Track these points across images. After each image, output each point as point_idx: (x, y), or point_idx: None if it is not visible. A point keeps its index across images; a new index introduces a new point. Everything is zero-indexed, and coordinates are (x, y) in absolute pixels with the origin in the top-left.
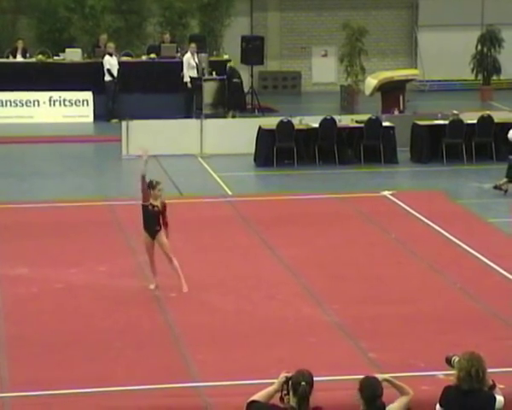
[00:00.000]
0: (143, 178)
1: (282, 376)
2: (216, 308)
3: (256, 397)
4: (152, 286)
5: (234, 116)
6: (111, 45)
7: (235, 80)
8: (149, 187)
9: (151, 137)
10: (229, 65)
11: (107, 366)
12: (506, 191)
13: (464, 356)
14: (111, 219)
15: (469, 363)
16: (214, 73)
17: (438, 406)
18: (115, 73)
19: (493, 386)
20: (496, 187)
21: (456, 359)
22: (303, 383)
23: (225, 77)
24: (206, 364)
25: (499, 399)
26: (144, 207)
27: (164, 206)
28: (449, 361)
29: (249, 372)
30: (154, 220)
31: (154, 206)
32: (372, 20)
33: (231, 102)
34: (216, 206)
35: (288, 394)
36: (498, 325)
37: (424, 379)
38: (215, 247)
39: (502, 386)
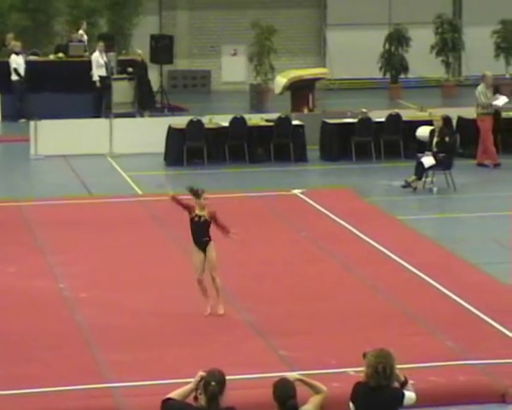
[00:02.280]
0: (174, 198)
1: (198, 375)
2: (128, 308)
3: (172, 395)
4: (207, 312)
5: (151, 116)
6: (17, 44)
7: (144, 78)
8: (194, 196)
9: (60, 137)
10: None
11: (19, 368)
12: (415, 189)
13: (372, 353)
14: (19, 220)
15: (377, 360)
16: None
17: (351, 403)
18: (22, 73)
19: (405, 382)
20: (405, 185)
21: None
22: (213, 383)
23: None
24: (120, 364)
25: (409, 395)
26: (191, 220)
27: (213, 215)
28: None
29: (162, 372)
30: (202, 232)
31: (200, 216)
32: (281, 19)
33: (142, 100)
34: (126, 205)
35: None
36: (408, 322)
37: (335, 376)
38: (126, 247)
39: (412, 382)
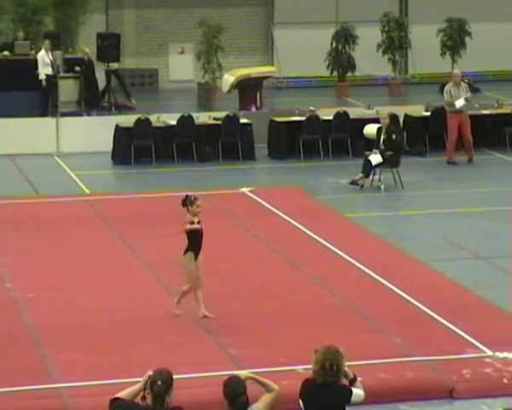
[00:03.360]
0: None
1: (147, 374)
2: (76, 308)
3: (120, 395)
4: (201, 315)
5: (98, 114)
6: None
7: (91, 76)
8: (186, 204)
9: (6, 136)
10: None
11: None
12: (362, 186)
13: (320, 350)
14: None
15: (324, 356)
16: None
17: (300, 400)
18: None
19: (354, 379)
20: (352, 182)
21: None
22: (159, 382)
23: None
24: (68, 364)
25: (358, 392)
26: (193, 231)
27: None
28: None
29: (111, 372)
30: (201, 240)
31: (195, 223)
32: (228, 17)
33: (89, 98)
34: (74, 205)
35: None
36: (356, 319)
37: (284, 374)
38: (74, 246)
39: (360, 379)
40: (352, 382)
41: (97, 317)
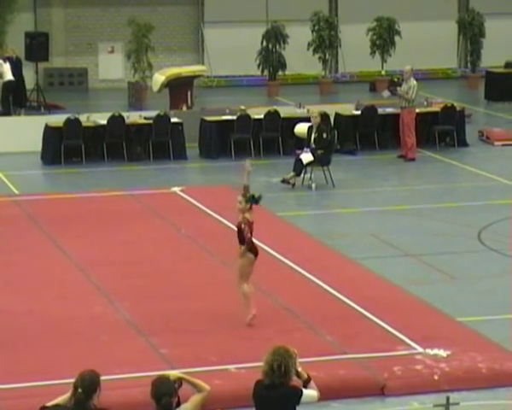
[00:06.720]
0: (246, 188)
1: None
2: (4, 309)
3: (56, 402)
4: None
5: (27, 114)
6: None
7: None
8: (254, 203)
9: None
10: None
11: None
12: (294, 185)
13: (270, 351)
14: None
15: (273, 357)
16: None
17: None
18: None
19: (308, 380)
20: (283, 181)
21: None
22: (79, 390)
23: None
24: None
25: (310, 393)
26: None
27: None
28: None
29: (41, 374)
30: (239, 237)
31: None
32: (158, 16)
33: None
34: (2, 205)
35: None
36: (287, 317)
37: (216, 373)
38: (2, 247)
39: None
40: (306, 382)
41: (26, 318)
